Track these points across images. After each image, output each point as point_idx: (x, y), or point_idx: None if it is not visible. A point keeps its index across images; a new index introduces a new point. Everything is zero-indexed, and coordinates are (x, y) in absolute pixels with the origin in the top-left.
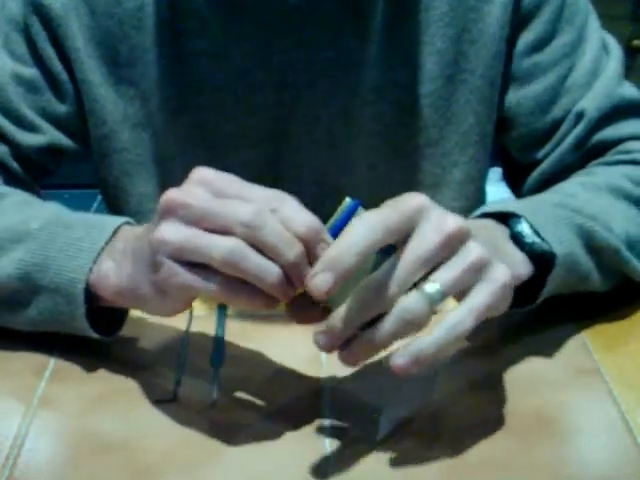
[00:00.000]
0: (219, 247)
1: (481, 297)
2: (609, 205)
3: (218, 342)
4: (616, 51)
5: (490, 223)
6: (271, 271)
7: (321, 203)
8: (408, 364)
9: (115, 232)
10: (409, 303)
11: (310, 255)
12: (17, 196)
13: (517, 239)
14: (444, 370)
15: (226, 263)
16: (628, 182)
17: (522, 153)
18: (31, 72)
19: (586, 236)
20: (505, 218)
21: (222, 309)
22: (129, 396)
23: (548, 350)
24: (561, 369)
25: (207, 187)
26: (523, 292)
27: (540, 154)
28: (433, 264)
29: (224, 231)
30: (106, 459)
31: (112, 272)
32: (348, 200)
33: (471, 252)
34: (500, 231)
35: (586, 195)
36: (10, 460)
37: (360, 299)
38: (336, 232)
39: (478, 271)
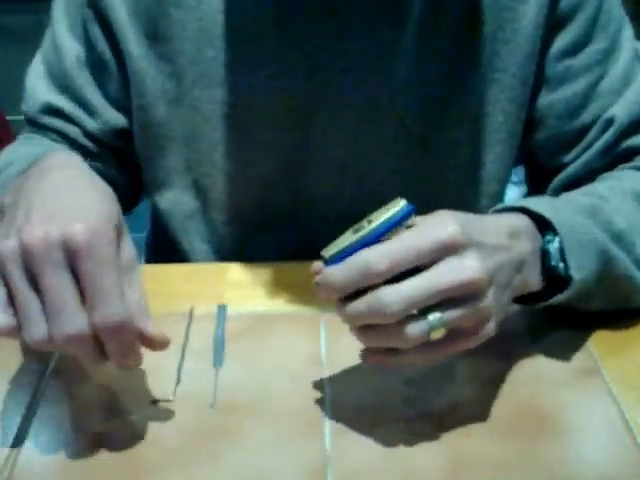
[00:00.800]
0: (30, 331)
1: (461, 342)
2: (634, 214)
3: (218, 342)
4: None
5: (531, 228)
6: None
7: (342, 191)
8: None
9: (31, 164)
10: (410, 327)
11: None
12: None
13: (544, 254)
14: (445, 370)
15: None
16: None
17: (549, 156)
18: (86, 53)
19: (607, 263)
20: (541, 222)
21: (222, 309)
22: (129, 396)
23: (549, 351)
24: (562, 369)
25: (25, 261)
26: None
27: (567, 158)
28: (443, 300)
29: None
30: (106, 459)
31: (7, 196)
32: (404, 203)
33: (482, 305)
34: (536, 240)
35: (615, 202)
36: (10, 460)
37: (368, 307)
38: (384, 233)
39: (480, 321)
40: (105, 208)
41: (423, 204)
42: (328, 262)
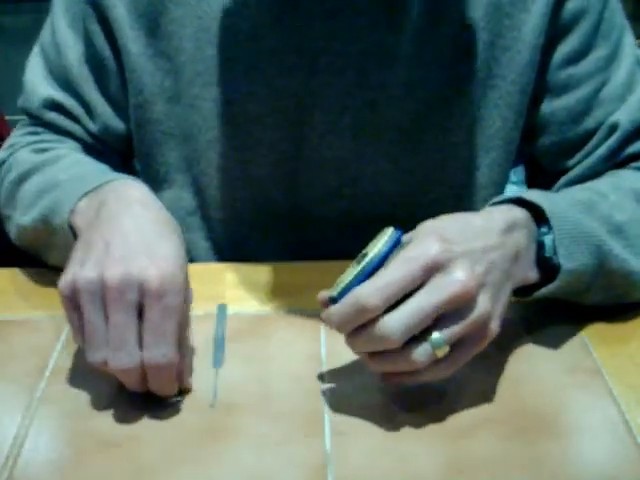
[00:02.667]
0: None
1: (469, 351)
2: (635, 211)
3: (218, 342)
4: None
5: (526, 220)
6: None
7: (340, 191)
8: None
9: (103, 185)
10: (414, 352)
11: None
12: (71, 155)
13: (539, 246)
14: None
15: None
16: None
17: (551, 161)
18: (85, 49)
19: (602, 257)
20: (537, 213)
21: (222, 309)
22: (129, 396)
23: (548, 350)
24: (561, 369)
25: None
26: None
27: (569, 163)
28: (440, 316)
29: None
30: (106, 459)
31: (80, 214)
32: (391, 232)
33: (478, 312)
34: (531, 231)
35: (615, 198)
36: (10, 460)
37: (371, 339)
38: (380, 263)
39: (481, 327)
40: (181, 258)
41: (420, 207)
42: (335, 300)
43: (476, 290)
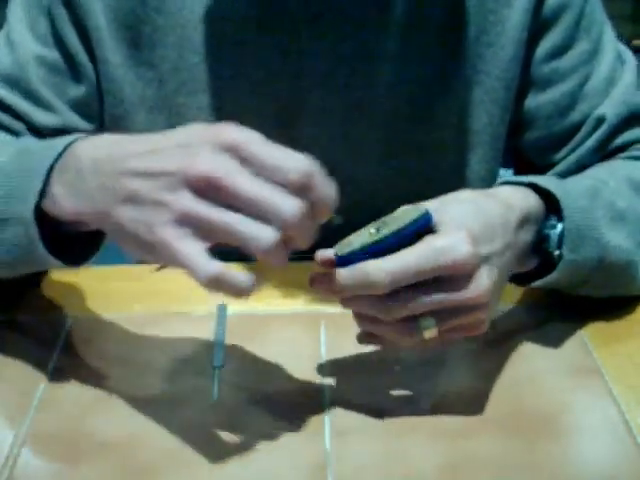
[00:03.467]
0: (260, 239)
1: (455, 337)
2: (631, 198)
3: (218, 342)
4: (631, 62)
5: (539, 211)
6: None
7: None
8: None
9: (66, 149)
10: (404, 330)
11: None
12: None
13: (543, 238)
14: (445, 371)
15: (261, 252)
16: None
17: (539, 155)
18: (52, 54)
19: (603, 250)
20: (547, 200)
21: (222, 309)
22: (128, 396)
23: (548, 350)
24: (561, 369)
25: (236, 154)
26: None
27: (557, 157)
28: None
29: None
30: (105, 459)
31: (63, 195)
32: (424, 212)
33: (480, 314)
34: (538, 226)
35: (614, 184)
36: (10, 460)
37: (372, 306)
38: (400, 241)
39: (475, 323)
40: None
41: (410, 204)
42: (338, 259)
43: (490, 298)
